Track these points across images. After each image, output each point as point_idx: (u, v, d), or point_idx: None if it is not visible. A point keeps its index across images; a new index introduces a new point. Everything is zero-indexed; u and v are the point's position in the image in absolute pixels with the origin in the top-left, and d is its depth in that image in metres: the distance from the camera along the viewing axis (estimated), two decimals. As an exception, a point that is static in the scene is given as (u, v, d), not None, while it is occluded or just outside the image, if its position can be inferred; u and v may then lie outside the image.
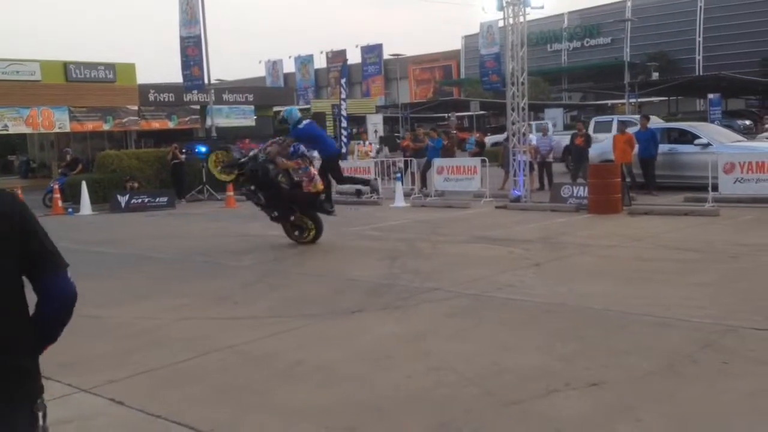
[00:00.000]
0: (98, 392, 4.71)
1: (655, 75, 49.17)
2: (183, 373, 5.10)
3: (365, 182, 12.40)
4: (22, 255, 2.04)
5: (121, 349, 5.80)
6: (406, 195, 17.18)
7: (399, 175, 17.71)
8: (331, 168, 11.30)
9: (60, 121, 28.76)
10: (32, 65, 28.32)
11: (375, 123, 36.31)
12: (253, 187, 10.87)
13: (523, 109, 15.44)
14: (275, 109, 40.38)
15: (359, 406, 4.31)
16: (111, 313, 7.07)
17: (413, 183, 18.67)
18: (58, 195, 18.78)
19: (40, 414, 2.07)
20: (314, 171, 10.72)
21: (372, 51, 70.16)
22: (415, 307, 6.75)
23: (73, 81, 29.25)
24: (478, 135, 26.47)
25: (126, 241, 12.73)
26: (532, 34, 50.33)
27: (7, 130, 27.96)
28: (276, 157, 10.49)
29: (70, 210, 18.52)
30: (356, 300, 7.10)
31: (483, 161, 16.98)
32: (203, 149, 20.68)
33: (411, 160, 19.03)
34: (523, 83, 15.35)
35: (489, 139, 28.32)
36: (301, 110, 47.48)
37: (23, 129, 28.56)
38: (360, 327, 6.15)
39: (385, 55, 67.84)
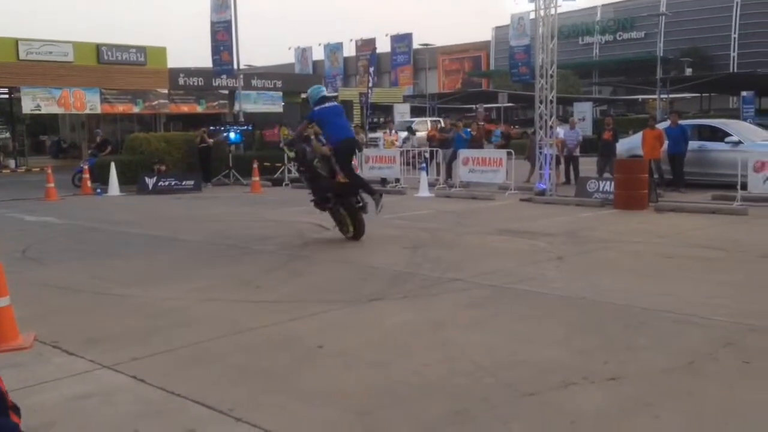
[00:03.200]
0: (121, 369, 4.80)
1: (689, 71, 48.43)
2: (204, 354, 5.17)
3: (372, 192, 10.37)
4: None
5: (145, 328, 5.90)
6: (431, 185, 17.17)
7: (424, 165, 17.70)
8: (339, 161, 10.01)
9: (91, 103, 29.14)
10: (65, 46, 28.71)
11: (402, 112, 36.19)
12: (302, 168, 10.69)
13: (551, 102, 15.33)
14: (303, 95, 40.48)
15: (376, 391, 4.34)
16: (136, 293, 7.19)
17: (438, 173, 18.64)
18: (87, 175, 19.08)
19: None
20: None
21: (402, 40, 69.79)
22: (434, 297, 6.77)
23: (104, 63, 29.62)
24: (504, 127, 26.33)
25: (152, 222, 12.89)
26: (564, 27, 49.79)
27: (40, 110, 28.40)
28: (311, 140, 10.20)
29: (98, 191, 18.80)
30: (377, 288, 7.14)
31: (509, 153, 16.90)
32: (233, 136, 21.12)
33: (437, 151, 19.00)
34: (552, 76, 15.23)
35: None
36: (329, 98, 47.33)
37: (55, 109, 28.98)
38: (380, 314, 6.19)
39: (415, 45, 67.54)
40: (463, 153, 17.58)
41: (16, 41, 27.62)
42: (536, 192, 15.25)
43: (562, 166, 17.96)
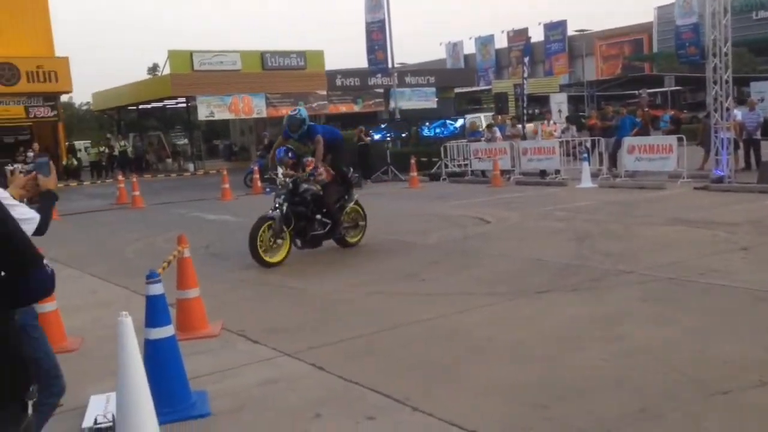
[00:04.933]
0: (301, 357, 5.03)
1: None
2: (376, 344, 5.30)
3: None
4: None
5: (318, 318, 6.14)
6: (594, 176, 16.53)
7: (586, 155, 17.07)
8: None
9: (258, 107, 30.89)
10: (233, 56, 30.62)
11: (559, 102, 35.13)
12: (318, 216, 9.06)
13: (727, 82, 14.21)
14: (456, 90, 40.52)
15: (552, 385, 4.23)
16: (307, 285, 7.51)
17: (600, 163, 17.91)
18: (257, 176, 20.19)
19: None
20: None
21: (555, 28, 67.63)
22: (606, 290, 6.50)
23: (268, 69, 31.26)
24: (673, 112, 24.82)
25: (318, 219, 13.39)
26: (736, 1, 45.99)
27: (213, 117, 30.49)
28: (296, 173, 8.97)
29: (267, 190, 19.78)
30: (544, 280, 6.97)
31: (680, 139, 15.88)
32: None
33: (598, 140, 18.25)
34: (726, 54, 14.12)
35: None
36: (483, 91, 46.58)
37: (226, 115, 31.01)
38: (549, 307, 6.04)
39: (570, 32, 65.30)
40: (629, 141, 16.74)
41: (191, 54, 29.82)
42: (712, 179, 14.21)
43: (741, 151, 16.61)
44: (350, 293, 7.06)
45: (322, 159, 9.17)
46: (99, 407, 4.06)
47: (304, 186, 8.91)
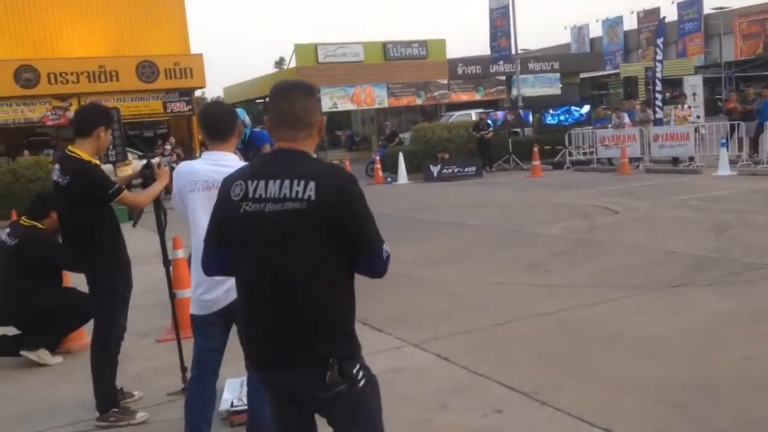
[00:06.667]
0: (425, 347, 5.05)
1: None
2: (501, 336, 5.24)
3: None
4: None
5: (442, 308, 6.15)
6: (732, 162, 15.53)
7: (724, 141, 16.06)
8: None
9: (379, 98, 31.26)
10: (356, 47, 31.11)
11: (693, 85, 33.20)
12: None
13: None
14: (582, 75, 39.23)
15: (689, 383, 4.03)
16: (431, 275, 7.53)
17: (739, 149, 16.79)
18: (378, 166, 20.46)
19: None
20: None
21: (690, 6, 63.85)
22: (749, 284, 6.10)
23: (390, 59, 31.53)
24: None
25: (439, 208, 13.41)
26: None
27: (336, 108, 31.14)
28: None
29: (388, 179, 20.06)
30: (678, 273, 6.64)
31: (831, 122, 14.62)
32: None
33: (738, 124, 17.11)
34: None
35: None
36: (610, 75, 44.85)
37: (349, 106, 31.58)
38: (685, 301, 5.75)
39: (706, 10, 61.53)
40: (772, 125, 15.59)
41: (316, 46, 30.57)
42: None
43: None
44: (474, 283, 7.02)
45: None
46: (234, 390, 4.19)
47: None
